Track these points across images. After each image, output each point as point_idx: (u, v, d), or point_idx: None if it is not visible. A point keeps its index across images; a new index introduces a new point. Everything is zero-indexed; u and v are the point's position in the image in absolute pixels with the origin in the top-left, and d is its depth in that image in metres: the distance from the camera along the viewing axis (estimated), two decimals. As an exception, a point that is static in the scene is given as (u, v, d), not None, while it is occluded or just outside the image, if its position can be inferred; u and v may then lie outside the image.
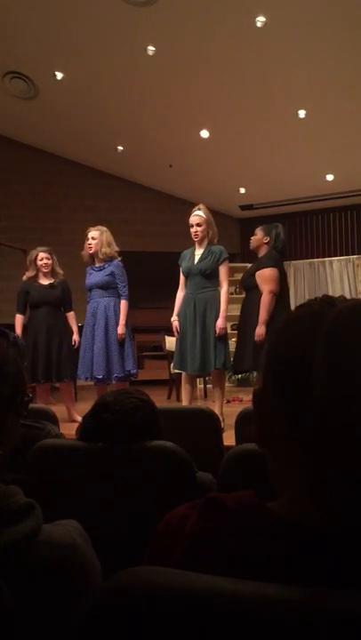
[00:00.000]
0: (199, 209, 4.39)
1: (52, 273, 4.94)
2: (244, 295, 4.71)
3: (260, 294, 4.29)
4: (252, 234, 4.64)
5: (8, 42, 6.10)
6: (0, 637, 0.64)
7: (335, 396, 0.52)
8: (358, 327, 0.54)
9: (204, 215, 4.36)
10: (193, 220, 4.37)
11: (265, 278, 4.30)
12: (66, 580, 0.71)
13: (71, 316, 5.07)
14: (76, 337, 4.94)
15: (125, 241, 5.17)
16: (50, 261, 4.94)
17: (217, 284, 4.36)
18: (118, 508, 1.45)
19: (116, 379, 4.52)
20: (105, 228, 4.70)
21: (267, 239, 4.47)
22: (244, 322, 4.41)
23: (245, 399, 5.89)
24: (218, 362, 4.19)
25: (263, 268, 4.35)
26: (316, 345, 0.54)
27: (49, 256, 4.95)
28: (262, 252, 4.48)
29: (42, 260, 4.93)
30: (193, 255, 4.40)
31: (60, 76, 6.51)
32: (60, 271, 5.03)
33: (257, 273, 4.34)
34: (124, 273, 4.72)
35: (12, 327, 4.86)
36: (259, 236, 4.48)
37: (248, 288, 4.43)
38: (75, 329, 5.00)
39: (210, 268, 4.29)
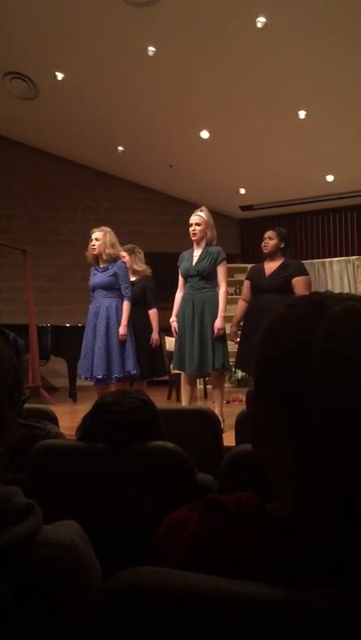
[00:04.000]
0: (201, 210, 4.42)
1: (133, 270, 5.05)
2: (243, 295, 4.66)
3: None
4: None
5: (8, 42, 6.11)
6: (0, 637, 0.64)
7: (333, 401, 0.52)
8: (353, 333, 0.54)
9: (204, 216, 4.38)
10: (193, 219, 4.40)
11: (307, 285, 4.37)
12: (65, 581, 0.71)
13: (152, 313, 5.21)
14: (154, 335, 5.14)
15: (125, 241, 5.17)
16: (127, 258, 5.03)
17: (215, 285, 4.36)
18: (118, 508, 1.45)
19: (117, 379, 4.52)
20: (109, 229, 4.71)
21: (282, 244, 4.45)
22: None
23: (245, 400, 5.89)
24: (217, 362, 4.20)
25: (301, 275, 4.38)
26: (312, 351, 0.54)
27: (125, 254, 5.01)
28: (275, 256, 4.45)
29: (124, 257, 5.00)
30: (191, 256, 4.41)
31: (60, 76, 6.52)
32: (138, 268, 5.15)
33: (296, 279, 4.33)
34: (128, 274, 4.74)
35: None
36: (276, 241, 4.43)
37: (280, 291, 4.29)
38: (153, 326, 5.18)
39: (208, 269, 4.31)
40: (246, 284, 4.57)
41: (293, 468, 0.57)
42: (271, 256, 4.44)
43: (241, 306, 4.51)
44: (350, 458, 0.51)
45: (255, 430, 0.60)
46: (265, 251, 4.45)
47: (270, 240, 4.43)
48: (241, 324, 4.52)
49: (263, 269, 4.46)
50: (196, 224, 4.36)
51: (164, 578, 0.52)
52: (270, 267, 4.43)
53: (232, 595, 0.49)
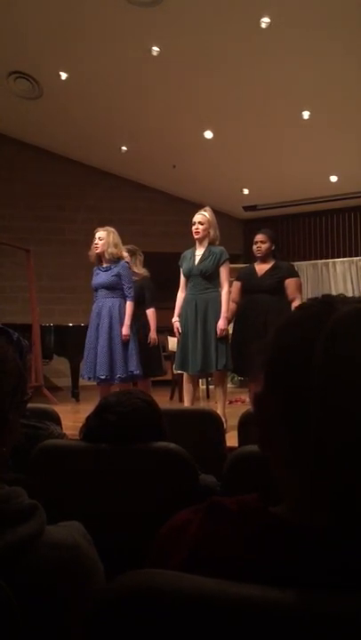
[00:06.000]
0: (205, 210, 4.41)
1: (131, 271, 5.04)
2: (233, 296, 4.62)
3: (286, 300, 4.36)
4: (255, 235, 4.62)
5: (13, 42, 6.12)
6: (2, 637, 0.64)
7: (335, 401, 0.52)
8: (358, 334, 0.54)
9: (208, 215, 4.37)
10: (196, 217, 4.39)
11: (298, 287, 4.47)
12: (68, 582, 0.71)
13: (150, 312, 5.20)
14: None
15: (128, 241, 5.17)
16: (128, 258, 5.04)
17: (218, 285, 4.35)
18: (121, 509, 1.45)
19: (120, 379, 4.52)
20: (112, 229, 4.70)
21: (273, 247, 4.53)
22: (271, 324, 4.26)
23: (248, 400, 5.88)
24: (219, 363, 4.19)
25: (293, 276, 4.46)
26: (316, 350, 0.54)
27: (126, 254, 5.02)
28: (267, 258, 4.52)
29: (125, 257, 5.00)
30: (193, 256, 4.39)
31: (64, 76, 6.52)
32: (137, 270, 5.16)
33: (289, 280, 4.41)
34: (130, 274, 4.73)
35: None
36: (268, 244, 4.50)
37: (273, 291, 4.38)
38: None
39: (210, 270, 4.29)
40: (236, 284, 4.58)
41: (296, 469, 0.57)
42: (263, 259, 4.52)
43: (231, 308, 4.51)
44: (351, 458, 0.51)
45: (261, 431, 0.60)
46: (258, 254, 4.53)
47: (263, 244, 4.50)
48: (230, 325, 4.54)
49: (254, 270, 4.55)
50: (199, 222, 4.36)
51: (167, 580, 0.52)
52: (262, 268, 4.51)
53: (235, 597, 0.49)
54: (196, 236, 4.37)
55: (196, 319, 4.27)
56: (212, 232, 4.36)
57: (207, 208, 4.45)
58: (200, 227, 4.34)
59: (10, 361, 0.83)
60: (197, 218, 4.39)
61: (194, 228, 4.37)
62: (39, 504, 0.73)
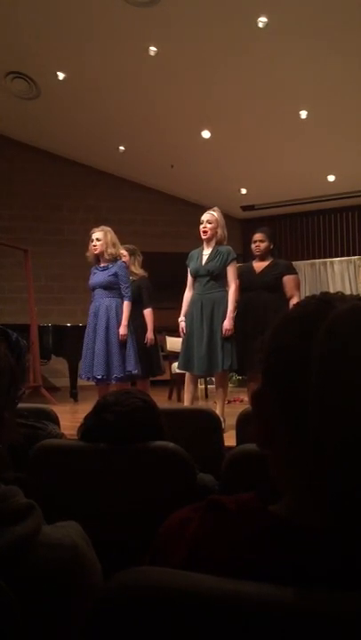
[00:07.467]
0: (214, 210, 4.41)
1: (130, 271, 5.04)
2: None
3: (284, 297, 4.40)
4: (253, 235, 4.63)
5: (10, 42, 6.11)
6: (3, 638, 0.64)
7: (333, 399, 0.52)
8: (356, 331, 0.54)
9: (216, 215, 4.36)
10: (204, 217, 4.37)
11: (297, 284, 4.52)
12: (66, 582, 0.71)
13: (147, 312, 5.18)
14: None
15: (126, 241, 5.17)
16: (127, 258, 5.08)
17: (225, 285, 4.33)
18: (119, 508, 1.45)
19: (116, 379, 4.52)
20: (109, 229, 4.70)
21: (272, 245, 4.56)
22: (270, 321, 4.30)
23: (246, 400, 5.88)
24: (225, 363, 4.17)
25: (291, 273, 4.51)
26: (314, 348, 0.54)
27: (125, 253, 5.05)
28: (266, 257, 4.55)
29: (125, 255, 5.01)
30: (201, 255, 4.38)
31: (61, 76, 6.52)
32: (135, 271, 5.18)
33: (287, 277, 4.45)
34: (128, 274, 4.73)
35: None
36: (267, 243, 4.53)
37: (271, 288, 4.41)
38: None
39: (218, 270, 4.28)
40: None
41: (294, 467, 0.57)
42: (262, 257, 4.55)
43: None
44: (349, 456, 0.51)
45: (259, 429, 0.60)
46: (257, 253, 4.56)
47: (261, 243, 4.54)
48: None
49: (252, 267, 4.58)
50: (208, 222, 4.34)
51: (166, 578, 0.52)
52: (260, 265, 4.55)
53: (233, 595, 0.49)
54: (203, 236, 4.36)
55: (202, 319, 4.25)
56: (219, 232, 4.35)
57: (216, 208, 4.44)
58: (208, 226, 4.33)
59: (2, 359, 0.82)
60: (205, 217, 4.37)
61: (202, 227, 4.36)
62: (35, 504, 0.73)
